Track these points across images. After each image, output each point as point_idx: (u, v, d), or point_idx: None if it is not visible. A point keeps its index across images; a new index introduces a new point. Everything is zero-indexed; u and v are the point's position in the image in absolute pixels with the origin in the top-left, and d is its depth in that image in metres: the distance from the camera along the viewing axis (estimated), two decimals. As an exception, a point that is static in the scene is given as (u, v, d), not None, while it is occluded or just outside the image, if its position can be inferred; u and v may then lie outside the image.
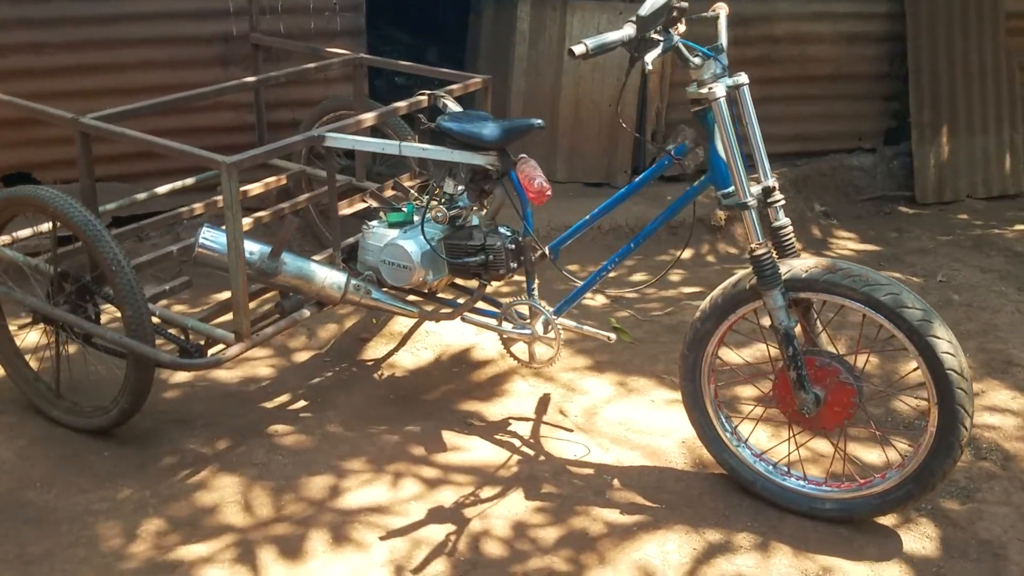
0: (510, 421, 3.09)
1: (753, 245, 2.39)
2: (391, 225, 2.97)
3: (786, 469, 2.61)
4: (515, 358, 3.05)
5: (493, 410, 3.15)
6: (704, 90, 2.39)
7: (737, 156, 2.40)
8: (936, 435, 2.32)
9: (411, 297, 3.09)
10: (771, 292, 2.38)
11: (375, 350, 3.56)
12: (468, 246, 2.86)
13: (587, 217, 2.79)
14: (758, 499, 2.62)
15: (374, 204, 3.07)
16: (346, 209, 3.14)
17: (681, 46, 2.36)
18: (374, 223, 3.01)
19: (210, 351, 2.79)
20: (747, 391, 3.16)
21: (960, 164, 5.32)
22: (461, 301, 3.05)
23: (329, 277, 2.88)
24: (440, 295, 3.08)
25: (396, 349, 3.55)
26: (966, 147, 5.33)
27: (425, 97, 3.16)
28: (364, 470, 2.80)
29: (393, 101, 3.10)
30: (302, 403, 3.19)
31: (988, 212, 5.18)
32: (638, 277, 4.28)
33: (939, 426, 2.30)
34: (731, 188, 2.48)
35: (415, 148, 2.83)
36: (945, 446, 2.31)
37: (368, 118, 2.93)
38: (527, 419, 3.10)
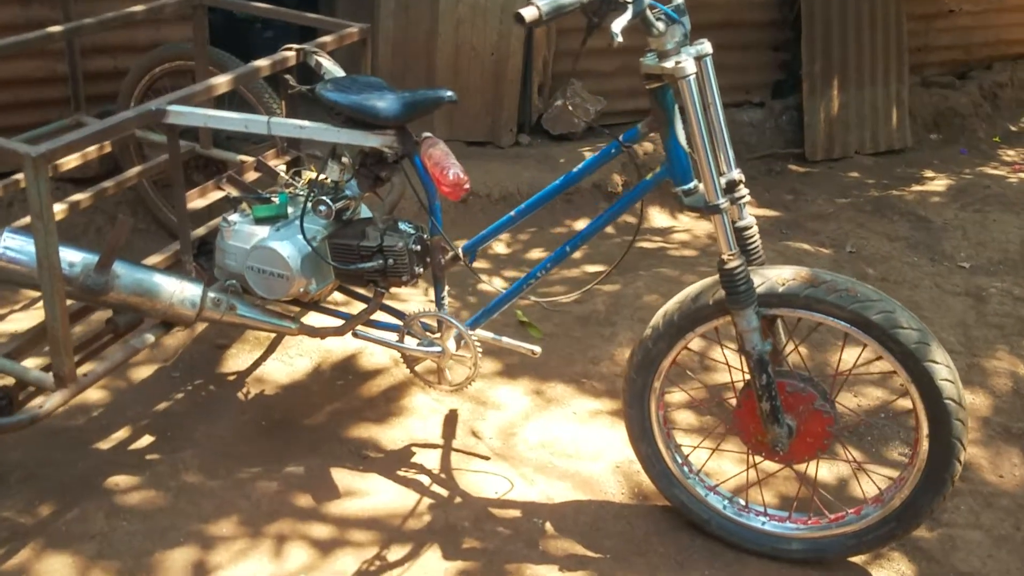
0: (413, 449, 2.59)
1: (725, 256, 1.97)
2: (258, 220, 2.36)
3: (743, 503, 2.26)
4: (421, 380, 2.54)
5: (391, 435, 2.64)
6: (669, 64, 1.91)
7: (708, 147, 1.96)
8: (926, 470, 2.01)
9: (287, 307, 2.50)
10: (744, 311, 1.98)
11: (237, 360, 2.95)
12: (361, 248, 2.30)
13: (512, 213, 2.29)
14: (714, 539, 2.26)
15: (233, 192, 2.44)
16: (197, 201, 2.49)
17: (648, 11, 1.86)
18: (235, 217, 2.39)
19: (25, 399, 2.12)
20: (698, 412, 2.78)
21: (850, 119, 5.13)
22: (352, 312, 2.49)
23: (179, 291, 2.26)
24: (324, 304, 2.51)
25: (263, 358, 2.96)
26: (855, 101, 5.14)
27: (292, 54, 2.53)
28: (236, 535, 2.24)
29: (242, 50, 2.45)
30: (148, 440, 2.57)
31: (878, 169, 5.03)
32: (536, 254, 3.83)
33: (930, 459, 2.00)
34: (692, 184, 2.04)
35: (289, 126, 2.22)
36: (936, 482, 2.01)
37: (220, 83, 2.28)
38: (434, 446, 2.61)
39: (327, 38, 2.67)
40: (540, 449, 2.60)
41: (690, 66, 1.90)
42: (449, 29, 4.34)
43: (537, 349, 2.41)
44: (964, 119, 5.64)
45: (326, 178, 2.35)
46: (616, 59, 4.77)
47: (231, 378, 2.90)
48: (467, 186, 2.15)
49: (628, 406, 2.22)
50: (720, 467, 2.46)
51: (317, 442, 2.61)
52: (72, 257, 2.11)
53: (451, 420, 2.72)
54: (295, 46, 2.53)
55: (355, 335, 2.44)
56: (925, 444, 1.99)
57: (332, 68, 2.52)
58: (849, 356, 2.37)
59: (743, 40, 5.07)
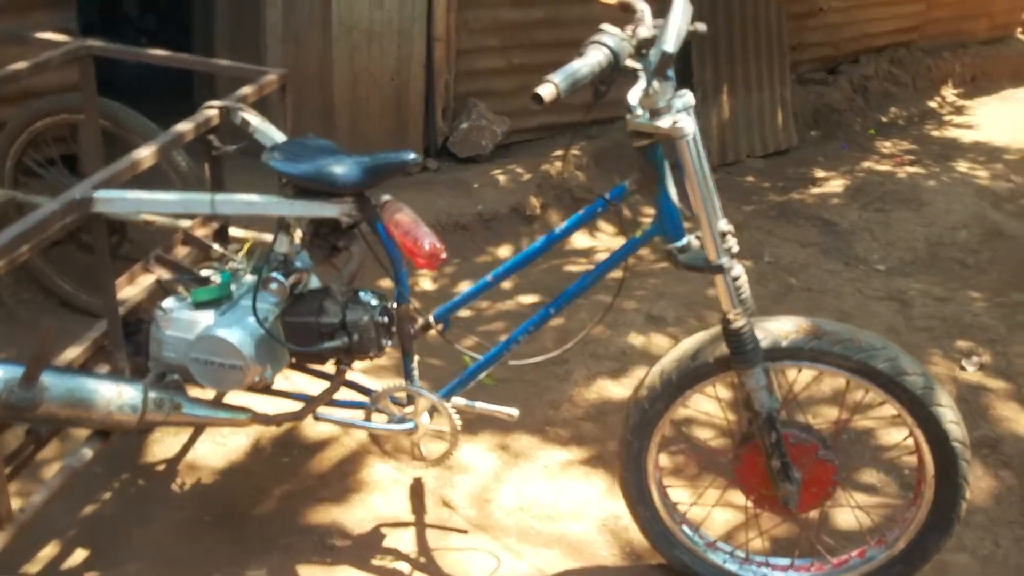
0: (383, 531, 2.40)
1: (731, 315, 1.88)
2: (198, 305, 2.10)
3: (744, 556, 2.20)
4: (394, 458, 2.34)
5: (355, 517, 2.43)
6: (664, 123, 1.80)
7: (711, 205, 1.86)
8: (933, 510, 2.00)
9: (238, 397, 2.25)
10: (752, 370, 1.90)
11: (163, 446, 2.66)
12: (321, 325, 2.09)
13: (488, 278, 2.12)
14: (719, 596, 2.19)
15: (164, 275, 2.17)
16: (127, 290, 2.19)
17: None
18: (171, 303, 2.12)
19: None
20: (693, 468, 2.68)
21: (739, 123, 5.22)
22: (311, 394, 2.27)
23: (117, 396, 1.98)
24: (276, 387, 2.27)
25: (192, 441, 2.68)
26: (744, 105, 5.23)
27: (215, 112, 2.28)
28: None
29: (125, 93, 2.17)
30: (82, 556, 2.26)
31: (771, 171, 5.14)
32: (464, 286, 3.66)
33: (937, 500, 1.99)
34: (685, 241, 1.94)
35: (236, 203, 1.98)
36: (943, 521, 2.01)
37: (144, 156, 2.01)
38: (405, 524, 2.42)
39: (247, 89, 2.42)
40: (519, 513, 2.46)
41: (689, 126, 1.80)
42: (343, 56, 4.11)
43: (515, 412, 2.26)
44: (840, 114, 5.86)
45: (272, 251, 2.11)
46: (515, 78, 4.67)
47: (160, 468, 2.61)
48: (444, 255, 1.97)
49: (625, 469, 2.11)
50: (712, 518, 2.39)
51: (273, 535, 2.37)
52: (-11, 373, 1.80)
53: (417, 491, 2.54)
54: (216, 103, 2.27)
55: (316, 418, 2.22)
56: (932, 485, 1.98)
57: (261, 126, 2.27)
58: (827, 389, 2.35)
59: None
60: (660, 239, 1.98)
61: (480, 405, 2.27)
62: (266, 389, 2.23)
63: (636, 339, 3.17)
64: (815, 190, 4.67)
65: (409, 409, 2.23)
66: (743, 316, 1.88)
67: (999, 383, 3.04)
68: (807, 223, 4.27)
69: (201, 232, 2.36)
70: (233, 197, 1.97)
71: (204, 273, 2.15)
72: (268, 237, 2.58)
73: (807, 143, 5.63)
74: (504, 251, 4.01)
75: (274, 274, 2.08)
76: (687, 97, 1.87)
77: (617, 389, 2.94)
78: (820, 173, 5.07)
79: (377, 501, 2.49)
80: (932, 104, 6.53)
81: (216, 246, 2.26)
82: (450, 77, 4.36)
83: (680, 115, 1.80)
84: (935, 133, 6.00)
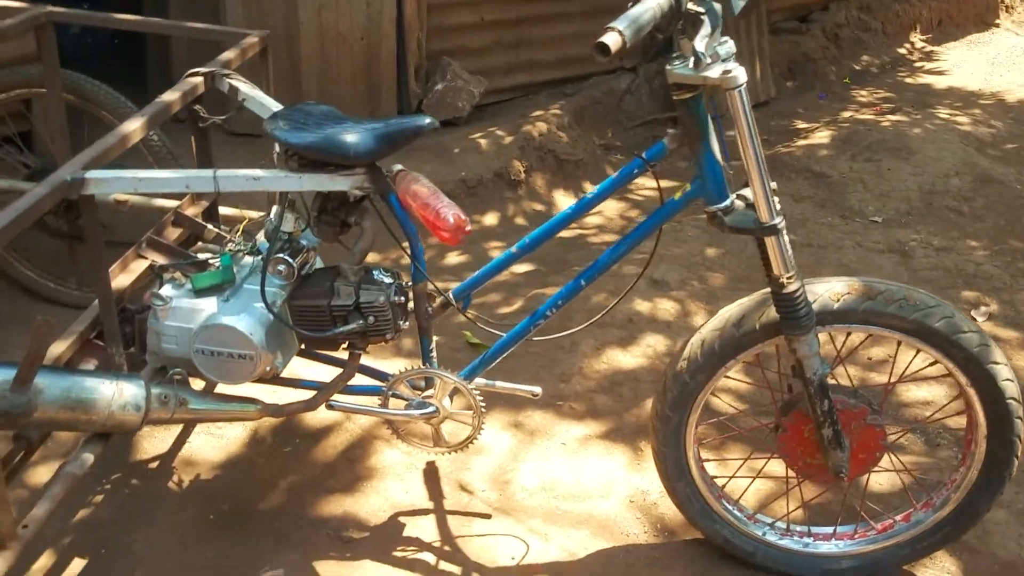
0: (402, 520, 2.27)
1: (784, 279, 1.77)
2: (199, 292, 1.93)
3: (785, 527, 2.11)
4: (414, 446, 2.20)
5: (370, 506, 2.30)
6: (712, 73, 1.66)
7: (761, 161, 1.74)
8: (984, 469, 1.93)
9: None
10: (804, 336, 1.80)
11: (155, 441, 2.49)
12: (334, 308, 1.93)
13: (512, 249, 1.98)
14: (761, 570, 2.11)
15: (159, 259, 1.98)
16: (120, 278, 2.00)
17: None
18: (168, 291, 1.94)
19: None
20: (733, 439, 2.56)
21: (719, 75, 5.09)
22: (321, 381, 2.12)
23: (118, 394, 1.81)
24: (285, 374, 2.11)
25: (186, 434, 2.51)
26: (723, 57, 5.10)
27: (200, 80, 2.09)
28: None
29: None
30: (80, 565, 2.10)
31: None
32: (450, 259, 3.52)
33: (988, 459, 1.92)
34: (729, 202, 1.82)
35: (240, 179, 1.80)
36: (994, 480, 1.94)
37: (133, 129, 1.82)
38: (424, 511, 2.29)
39: (230, 54, 2.23)
40: (542, 494, 2.34)
41: (741, 75, 1.67)
42: (310, 15, 3.88)
43: (537, 390, 2.13)
44: (816, 63, 5.77)
45: (276, 230, 1.94)
46: (488, 34, 4.48)
47: (154, 465, 2.44)
48: (469, 228, 1.82)
49: (663, 445, 2.01)
50: (742, 488, 2.31)
51: (285, 531, 2.23)
52: (-25, 378, 1.62)
53: (432, 475, 2.41)
54: (202, 70, 2.08)
55: (330, 407, 2.07)
56: (983, 444, 1.91)
57: (252, 93, 2.09)
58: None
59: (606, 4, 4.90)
60: (702, 201, 1.86)
61: (501, 384, 2.13)
62: (275, 378, 2.07)
63: (641, 305, 3.06)
64: (801, 142, 4.58)
65: (428, 393, 2.09)
66: (796, 279, 1.77)
67: (1011, 332, 3.00)
68: (798, 176, 4.19)
69: (191, 212, 2.18)
70: (236, 173, 1.79)
71: (202, 256, 1.98)
72: (256, 214, 2.41)
73: (784, 94, 5.53)
74: (490, 218, 3.86)
75: (281, 254, 1.91)
76: (729, 44, 1.74)
77: (627, 358, 2.83)
78: (802, 124, 4.99)
79: (391, 488, 2.36)
80: (902, 51, 6.48)
81: (211, 226, 2.08)
82: (422, 34, 4.15)
83: (730, 63, 1.67)
84: (909, 80, 5.96)
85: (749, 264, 3.35)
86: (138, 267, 2.00)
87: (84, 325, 2.04)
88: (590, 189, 4.28)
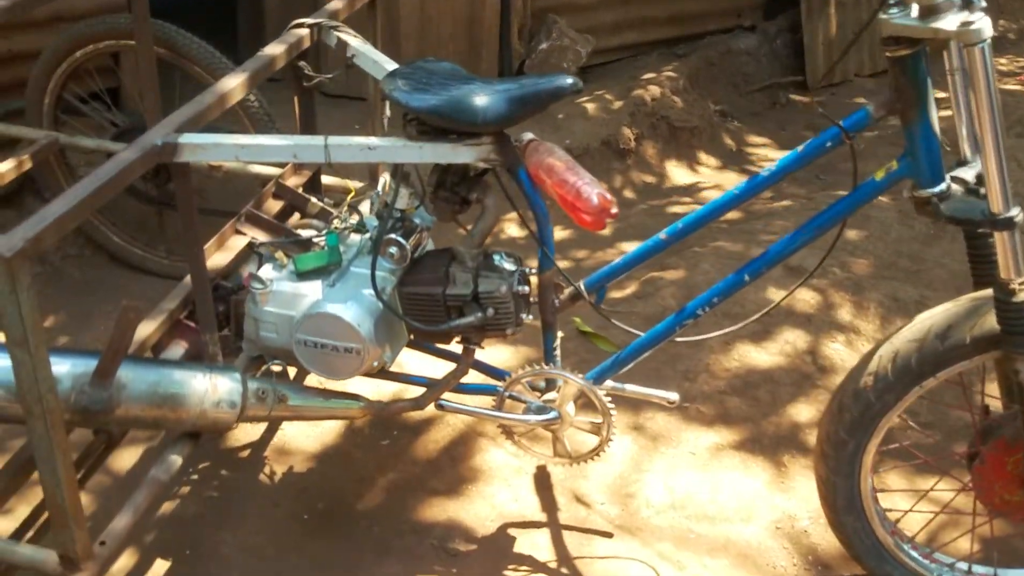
0: (511, 533, 2.02)
1: (1014, 284, 1.44)
2: (301, 275, 1.70)
3: (966, 569, 1.80)
4: (531, 454, 1.95)
5: (475, 514, 2.06)
6: (947, 25, 1.35)
7: (1000, 138, 1.42)
8: None
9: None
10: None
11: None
12: (449, 298, 1.68)
13: (661, 236, 1.68)
14: (934, 618, 1.80)
15: (259, 237, 1.76)
16: (216, 256, 1.78)
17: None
18: (268, 272, 1.71)
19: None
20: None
21: (847, 40, 4.67)
22: (432, 375, 1.87)
23: (211, 389, 1.59)
24: (392, 368, 1.87)
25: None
26: (852, 19, 4.67)
27: (306, 32, 1.84)
28: None
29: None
30: (163, 567, 1.92)
31: (882, 92, 4.59)
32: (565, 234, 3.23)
33: None
34: (944, 186, 1.50)
35: (353, 148, 1.54)
36: None
37: (233, 86, 1.59)
38: (535, 524, 2.04)
39: (337, 3, 1.97)
40: (671, 513, 2.07)
41: (987, 26, 1.34)
42: (413, -33, 3.61)
43: (674, 396, 1.86)
44: (949, 29, 5.26)
45: (388, 207, 1.69)
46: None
47: (244, 454, 2.25)
48: (615, 210, 1.54)
49: (833, 473, 1.71)
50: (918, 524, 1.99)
51: (386, 537, 2.01)
52: (57, 367, 1.42)
53: (543, 482, 2.16)
54: (308, 21, 1.83)
55: (439, 407, 1.83)
56: None
57: (363, 48, 1.83)
58: None
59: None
60: (911, 184, 1.54)
61: (632, 388, 1.86)
62: (381, 372, 1.83)
63: (776, 295, 2.74)
64: (940, 112, 4.14)
65: (549, 396, 1.83)
66: (1026, 287, 1.45)
67: None
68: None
69: (292, 183, 1.94)
70: (349, 141, 1.54)
71: (305, 235, 1.74)
72: (358, 184, 2.16)
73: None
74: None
75: (394, 235, 1.66)
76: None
77: (761, 356, 2.52)
78: (939, 94, 4.52)
79: (499, 495, 2.11)
80: (1043, 15, 5.89)
81: (314, 199, 1.85)
82: (528, -11, 3.85)
83: (975, 13, 1.34)
84: (1050, 46, 5.41)
85: (896, 250, 2.99)
86: (236, 244, 1.78)
87: (175, 303, 1.84)
88: (705, 160, 4.00)
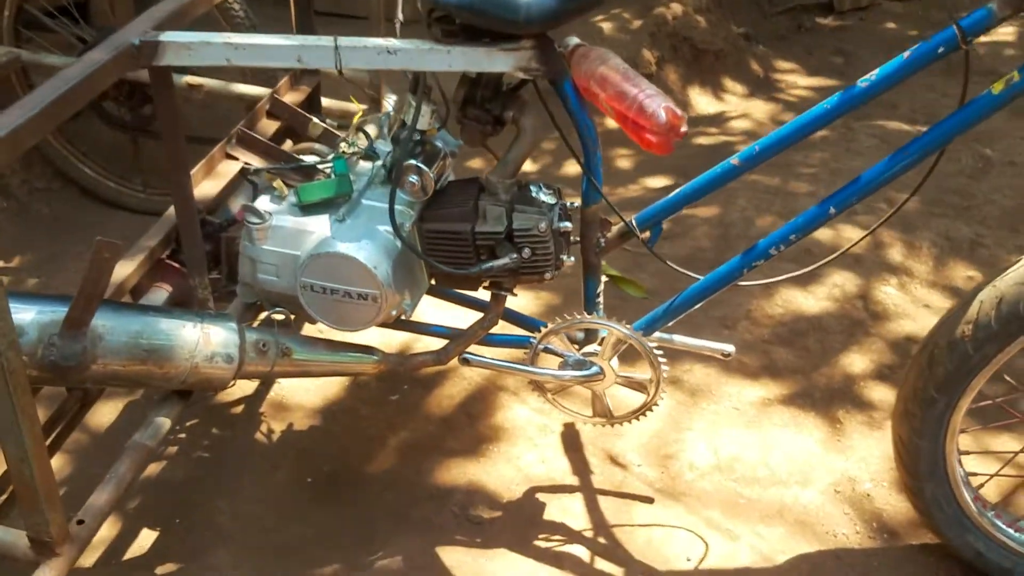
0: (540, 499, 1.82)
1: None
2: (305, 208, 1.44)
3: (1056, 540, 1.60)
4: (566, 413, 1.73)
5: (499, 477, 1.85)
6: None
7: None
8: None
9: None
10: None
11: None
12: (479, 236, 1.44)
13: (733, 161, 1.44)
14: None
15: (254, 162, 1.50)
16: (204, 184, 1.52)
17: None
18: (266, 204, 1.46)
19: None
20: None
21: (875, -41, 4.37)
22: (458, 326, 1.64)
23: (203, 340, 1.35)
24: (409, 318, 1.63)
25: (279, 373, 2.07)
26: (881, -63, 4.36)
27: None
28: None
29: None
30: (150, 538, 1.71)
31: (912, 16, 4.31)
32: (569, 169, 2.98)
33: None
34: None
35: (369, 51, 1.28)
36: None
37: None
38: (567, 488, 1.83)
39: None
40: (717, 476, 1.86)
41: None
42: None
43: (730, 348, 1.64)
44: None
45: (406, 127, 1.44)
46: None
47: (238, 410, 2.02)
48: (684, 128, 1.29)
49: (918, 435, 1.49)
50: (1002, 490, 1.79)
51: (401, 504, 1.80)
52: (20, 315, 1.17)
53: (572, 441, 1.94)
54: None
55: (464, 361, 1.60)
56: None
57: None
58: None
59: None
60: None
61: (682, 340, 1.64)
62: (398, 322, 1.60)
63: (821, 234, 2.48)
64: (983, 39, 3.86)
65: (590, 349, 1.60)
66: None
67: None
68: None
69: (288, 98, 1.67)
70: (364, 42, 1.27)
71: (308, 160, 1.48)
72: (353, 107, 1.89)
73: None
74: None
75: (413, 161, 1.41)
76: None
77: (808, 301, 2.30)
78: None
79: (524, 455, 1.90)
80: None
81: (315, 120, 1.58)
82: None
83: None
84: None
85: (942, 185, 2.76)
86: (226, 170, 1.52)
87: (155, 241, 1.59)
88: (731, 87, 3.72)
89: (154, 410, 1.38)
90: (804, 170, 2.81)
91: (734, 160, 1.44)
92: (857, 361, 2.13)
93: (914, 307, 2.31)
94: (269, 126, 1.62)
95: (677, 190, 1.51)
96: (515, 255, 1.44)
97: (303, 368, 1.47)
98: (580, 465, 1.89)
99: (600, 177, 1.45)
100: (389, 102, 1.87)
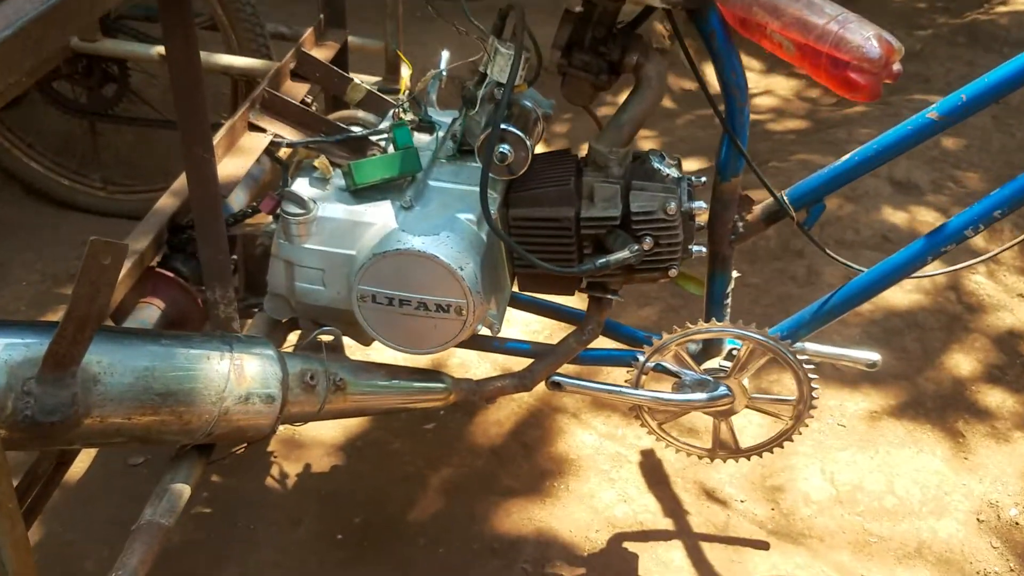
0: (630, 549, 1.48)
1: None
2: (358, 193, 1.08)
3: None
4: (676, 446, 1.39)
5: (574, 522, 1.52)
6: None
7: None
8: None
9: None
10: None
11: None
12: (586, 223, 1.10)
13: (909, 125, 1.12)
14: None
15: (285, 134, 1.13)
16: (227, 162, 1.14)
17: None
18: (306, 188, 1.09)
19: None
20: None
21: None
22: (533, 341, 1.29)
23: (237, 375, 0.97)
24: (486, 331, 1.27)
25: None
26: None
27: None
28: None
29: None
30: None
31: None
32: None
33: None
34: None
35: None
36: None
37: None
38: (661, 534, 1.50)
39: None
40: (838, 509, 1.54)
41: None
42: None
43: (876, 357, 1.33)
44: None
45: (489, 81, 1.09)
46: None
47: (240, 451, 1.63)
48: (898, 66, 0.96)
49: None
50: None
51: (456, 562, 1.45)
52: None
53: (656, 474, 1.61)
54: None
55: (554, 385, 1.25)
56: None
57: None
58: None
59: None
60: None
61: (828, 350, 1.32)
62: (471, 340, 1.24)
63: (895, 216, 2.22)
64: (1002, 8, 3.66)
65: (712, 365, 1.27)
66: None
67: None
68: (1012, 50, 3.27)
69: (321, 55, 1.30)
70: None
71: (357, 131, 1.12)
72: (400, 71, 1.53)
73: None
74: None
75: (506, 125, 1.06)
76: None
77: (897, 294, 2.00)
78: None
79: (600, 493, 1.56)
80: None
81: (357, 79, 1.22)
82: None
83: None
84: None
85: (1005, 160, 2.52)
86: (251, 144, 1.14)
87: (143, 244, 1.20)
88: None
89: (169, 474, 1.00)
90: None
91: (931, 114, 1.12)
92: (963, 362, 1.85)
93: (1008, 297, 2.04)
94: (296, 89, 1.24)
95: (849, 155, 1.19)
96: (635, 246, 1.10)
97: (360, 406, 1.10)
98: (671, 503, 1.56)
99: (746, 140, 1.13)
100: (405, 72, 1.52)
